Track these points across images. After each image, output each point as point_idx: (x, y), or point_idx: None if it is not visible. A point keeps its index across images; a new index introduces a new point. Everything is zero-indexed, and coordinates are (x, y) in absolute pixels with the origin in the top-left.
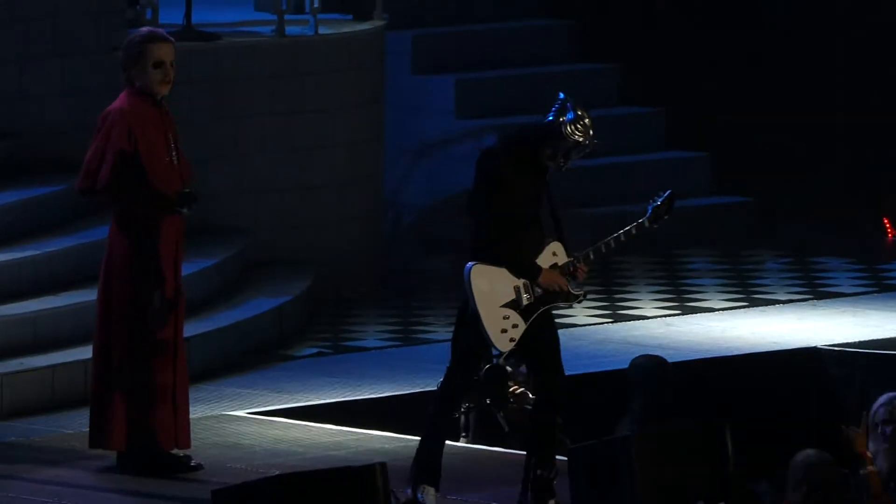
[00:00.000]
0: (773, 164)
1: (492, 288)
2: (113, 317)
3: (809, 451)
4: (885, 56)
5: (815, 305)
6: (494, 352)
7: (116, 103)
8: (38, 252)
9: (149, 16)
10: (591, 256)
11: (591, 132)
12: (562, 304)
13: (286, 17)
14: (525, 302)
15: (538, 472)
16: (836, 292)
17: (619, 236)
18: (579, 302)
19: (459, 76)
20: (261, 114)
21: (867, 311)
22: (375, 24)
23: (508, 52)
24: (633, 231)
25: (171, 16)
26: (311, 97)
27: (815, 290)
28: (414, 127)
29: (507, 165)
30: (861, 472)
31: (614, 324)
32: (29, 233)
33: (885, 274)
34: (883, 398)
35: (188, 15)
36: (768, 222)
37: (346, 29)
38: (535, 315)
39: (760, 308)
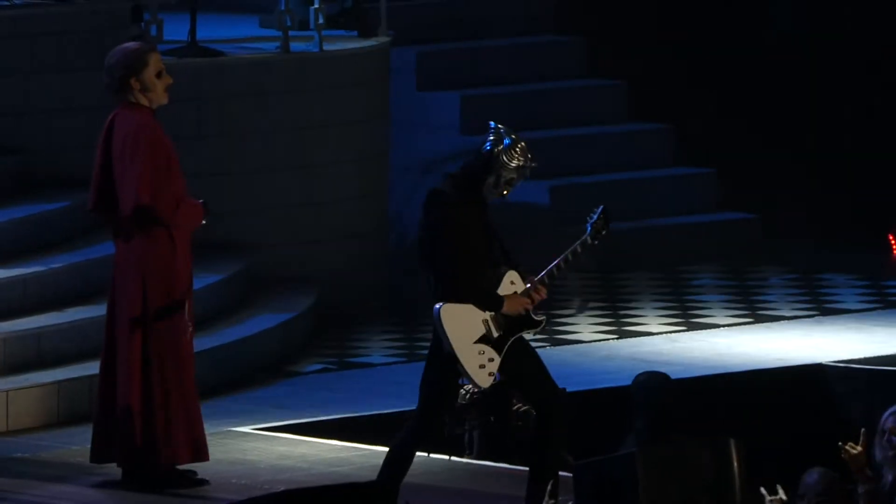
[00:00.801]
0: (778, 180)
1: (463, 326)
2: (151, 333)
3: (816, 469)
4: (893, 72)
5: (819, 322)
6: (463, 390)
7: (134, 122)
8: (43, 268)
9: (154, 32)
10: (546, 280)
11: (528, 154)
12: (527, 332)
13: (291, 33)
14: (496, 334)
15: (543, 490)
16: (841, 308)
17: (566, 257)
18: (542, 327)
19: (464, 92)
20: (265, 130)
21: (872, 327)
22: (380, 40)
23: (514, 68)
24: (579, 249)
25: (176, 32)
26: (315, 113)
27: (820, 306)
28: (419, 143)
29: (456, 203)
30: (859, 489)
31: (619, 340)
32: (34, 249)
33: (890, 290)
34: (893, 408)
35: (193, 31)
36: (773, 239)
37: (351, 45)
38: (507, 345)
39: (765, 324)
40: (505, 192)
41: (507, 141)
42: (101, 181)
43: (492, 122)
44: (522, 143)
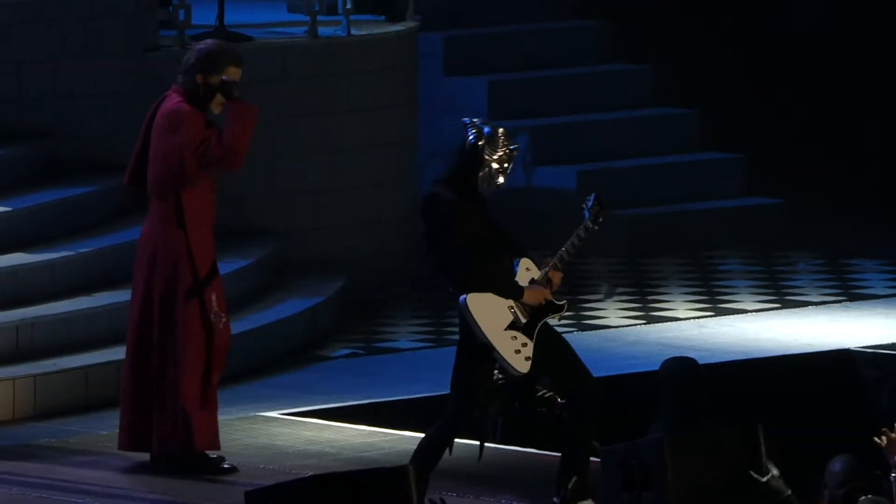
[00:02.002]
0: (806, 165)
1: (491, 314)
2: (178, 317)
3: (840, 457)
4: None
5: (847, 307)
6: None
7: (179, 103)
8: (71, 253)
9: (181, 17)
10: (559, 265)
11: (510, 139)
12: (551, 317)
13: (319, 18)
14: (524, 320)
15: (572, 474)
16: (869, 294)
17: (572, 243)
18: (564, 311)
19: (492, 77)
20: (293, 115)
21: None
22: (408, 25)
23: (541, 53)
24: (582, 235)
25: (204, 17)
26: (343, 98)
27: (848, 291)
28: (446, 129)
29: (453, 202)
30: (892, 475)
31: (647, 325)
32: (62, 234)
33: None
34: None
35: (221, 16)
36: (801, 224)
37: (379, 30)
38: (536, 331)
39: (793, 310)
40: (500, 182)
41: (486, 130)
42: (139, 156)
43: (465, 118)
44: (501, 129)
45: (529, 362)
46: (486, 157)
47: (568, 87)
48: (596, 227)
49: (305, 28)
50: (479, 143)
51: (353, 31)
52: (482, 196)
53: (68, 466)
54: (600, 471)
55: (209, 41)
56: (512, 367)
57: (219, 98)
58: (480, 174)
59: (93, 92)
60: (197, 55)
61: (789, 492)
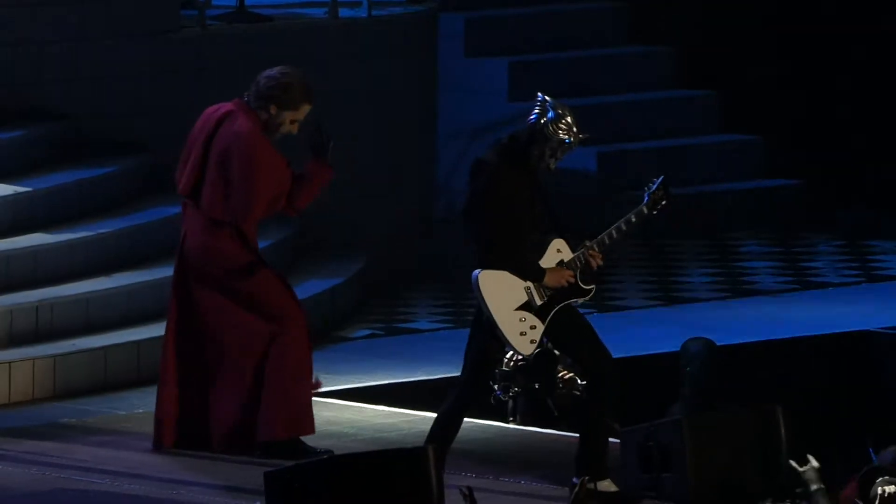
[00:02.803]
0: (825, 147)
1: (503, 292)
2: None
3: (892, 448)
4: None
5: (867, 288)
6: (507, 357)
7: (245, 129)
8: (90, 233)
9: None
10: (597, 248)
11: (574, 129)
12: (577, 301)
13: None
14: (539, 302)
15: (591, 455)
16: (890, 275)
17: (619, 226)
18: (591, 295)
19: (512, 59)
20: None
21: None
22: (428, 5)
23: (561, 34)
24: (633, 219)
25: None
26: (363, 79)
27: (869, 273)
28: (466, 110)
29: (500, 172)
30: None
31: (667, 306)
32: (82, 214)
33: None
34: None
35: None
36: (821, 206)
37: (399, 11)
38: (553, 314)
39: (813, 291)
40: (551, 166)
41: (551, 114)
42: (197, 172)
43: (539, 94)
44: (569, 118)
45: (534, 346)
46: (543, 139)
47: (587, 69)
48: (654, 213)
49: (326, 9)
50: (539, 122)
51: (374, 12)
52: (533, 171)
53: (87, 446)
54: (620, 452)
55: (288, 70)
56: (514, 349)
57: (286, 128)
58: (534, 152)
59: (114, 73)
60: (277, 85)
61: (822, 486)
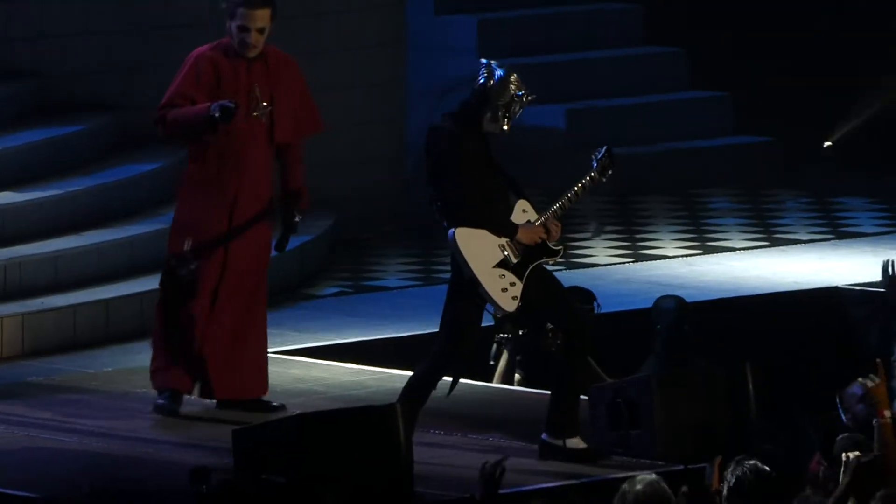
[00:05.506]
0: (794, 104)
1: (480, 250)
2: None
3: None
4: None
5: (835, 245)
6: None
7: (204, 47)
8: (60, 192)
9: None
10: (558, 213)
11: (523, 86)
12: (548, 261)
13: None
14: (514, 259)
15: (562, 412)
16: (857, 232)
17: (574, 192)
18: (560, 256)
19: (482, 16)
20: None
21: (888, 250)
22: None
23: None
24: (586, 185)
25: None
26: (331, 37)
27: (836, 229)
28: (437, 68)
29: (457, 137)
30: (874, 421)
31: (635, 263)
32: (51, 172)
33: None
34: None
35: None
36: (789, 162)
37: None
38: (528, 272)
39: (781, 248)
40: (505, 127)
41: (498, 74)
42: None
43: (483, 59)
44: (515, 75)
45: (517, 302)
46: (493, 100)
47: (555, 26)
48: (603, 179)
49: None
50: (488, 84)
51: None
52: (486, 136)
53: (56, 405)
54: (588, 409)
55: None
56: (497, 305)
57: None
58: (486, 115)
59: (81, 31)
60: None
61: None
